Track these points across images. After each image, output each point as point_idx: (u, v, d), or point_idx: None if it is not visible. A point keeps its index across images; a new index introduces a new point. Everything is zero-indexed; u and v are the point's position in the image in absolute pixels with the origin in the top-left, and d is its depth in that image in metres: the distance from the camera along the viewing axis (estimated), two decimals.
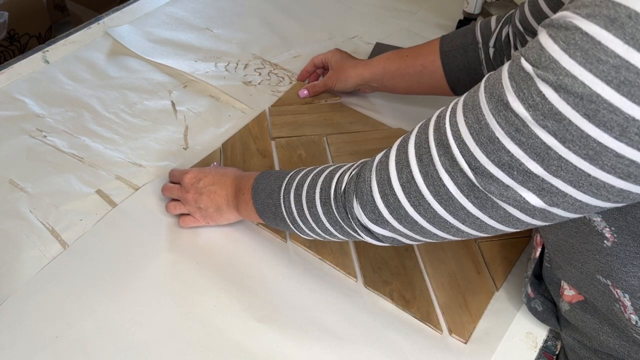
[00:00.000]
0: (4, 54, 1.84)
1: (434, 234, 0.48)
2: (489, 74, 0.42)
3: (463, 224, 0.45)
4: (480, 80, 0.42)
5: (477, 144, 0.40)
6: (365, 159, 0.53)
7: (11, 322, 0.61)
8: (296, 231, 0.60)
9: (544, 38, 0.36)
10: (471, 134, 0.41)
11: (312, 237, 0.59)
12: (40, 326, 0.61)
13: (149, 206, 0.73)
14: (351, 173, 0.52)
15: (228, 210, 0.67)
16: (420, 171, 0.45)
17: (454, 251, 0.69)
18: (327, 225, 0.55)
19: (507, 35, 0.72)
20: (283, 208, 0.59)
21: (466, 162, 0.42)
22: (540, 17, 0.64)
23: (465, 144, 0.41)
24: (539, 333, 0.63)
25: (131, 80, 0.94)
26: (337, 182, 0.54)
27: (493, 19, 0.75)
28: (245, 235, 0.71)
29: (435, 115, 0.46)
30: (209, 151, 0.81)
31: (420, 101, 0.92)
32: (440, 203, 0.45)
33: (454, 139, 0.42)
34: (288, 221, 0.59)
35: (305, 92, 0.90)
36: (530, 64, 0.37)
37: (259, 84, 0.94)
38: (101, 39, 1.02)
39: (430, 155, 0.44)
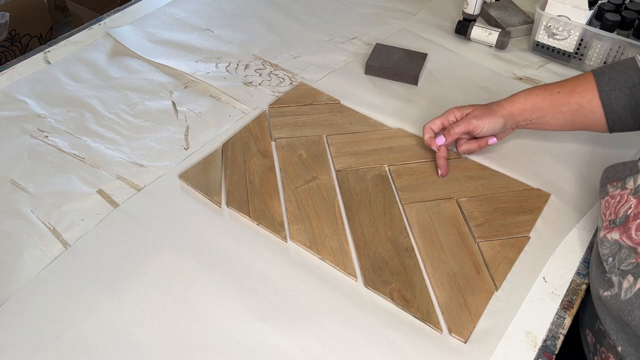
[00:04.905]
0: (6, 55, 1.84)
1: None
2: None
3: None
4: None
5: None
6: None
7: (12, 321, 0.61)
8: None
9: None
10: None
11: None
12: (41, 326, 0.61)
13: (150, 206, 0.74)
14: None
15: None
16: None
17: (453, 251, 0.69)
18: None
19: None
20: None
21: None
22: None
23: None
24: (539, 332, 0.63)
25: (132, 80, 0.94)
26: None
27: None
28: (245, 235, 0.71)
29: None
30: (210, 151, 0.82)
31: (421, 103, 0.93)
32: None
33: None
34: None
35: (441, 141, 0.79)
36: None
37: (259, 84, 0.95)
38: (102, 40, 1.02)
39: None
